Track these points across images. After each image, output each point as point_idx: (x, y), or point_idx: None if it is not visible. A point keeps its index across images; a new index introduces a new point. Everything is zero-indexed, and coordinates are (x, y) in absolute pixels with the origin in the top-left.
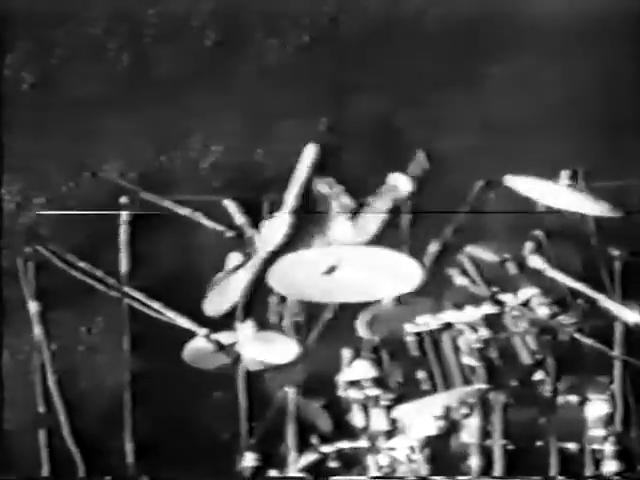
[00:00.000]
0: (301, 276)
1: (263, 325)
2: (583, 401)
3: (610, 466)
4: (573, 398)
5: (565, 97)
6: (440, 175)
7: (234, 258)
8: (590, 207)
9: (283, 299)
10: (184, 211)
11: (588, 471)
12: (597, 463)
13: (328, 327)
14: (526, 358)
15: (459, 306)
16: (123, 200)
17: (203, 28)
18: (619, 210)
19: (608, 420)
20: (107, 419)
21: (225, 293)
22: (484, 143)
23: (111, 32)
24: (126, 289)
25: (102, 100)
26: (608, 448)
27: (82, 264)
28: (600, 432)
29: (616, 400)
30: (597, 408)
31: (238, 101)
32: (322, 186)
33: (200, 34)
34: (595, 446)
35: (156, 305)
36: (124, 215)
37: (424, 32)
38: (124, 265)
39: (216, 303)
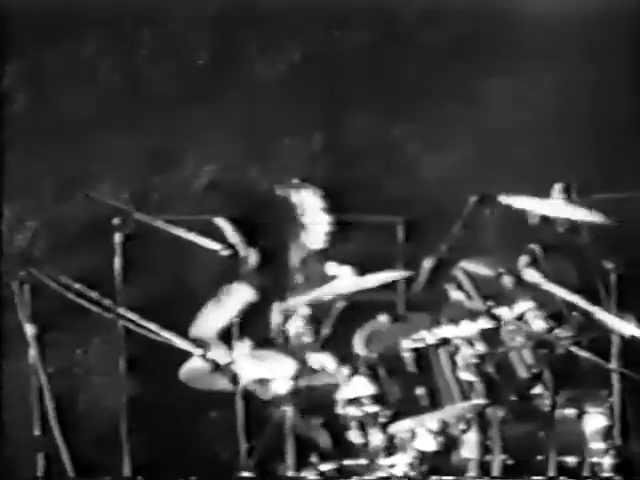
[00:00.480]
0: None
1: (259, 343)
2: (581, 414)
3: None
4: (571, 411)
5: (559, 110)
6: (435, 191)
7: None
8: (584, 218)
9: (284, 318)
10: (177, 231)
11: None
12: (596, 476)
13: (326, 344)
14: (523, 372)
15: (455, 321)
16: (116, 221)
17: (196, 47)
18: (613, 220)
19: (607, 433)
20: (104, 441)
21: (218, 313)
22: (479, 159)
23: (104, 52)
24: (121, 310)
25: (95, 120)
26: (607, 461)
27: (77, 286)
28: (599, 445)
29: (615, 413)
30: (596, 421)
31: (232, 119)
32: (299, 195)
33: (193, 53)
34: (594, 459)
35: (152, 326)
36: (118, 236)
37: (418, 47)
38: (119, 286)
39: (212, 319)
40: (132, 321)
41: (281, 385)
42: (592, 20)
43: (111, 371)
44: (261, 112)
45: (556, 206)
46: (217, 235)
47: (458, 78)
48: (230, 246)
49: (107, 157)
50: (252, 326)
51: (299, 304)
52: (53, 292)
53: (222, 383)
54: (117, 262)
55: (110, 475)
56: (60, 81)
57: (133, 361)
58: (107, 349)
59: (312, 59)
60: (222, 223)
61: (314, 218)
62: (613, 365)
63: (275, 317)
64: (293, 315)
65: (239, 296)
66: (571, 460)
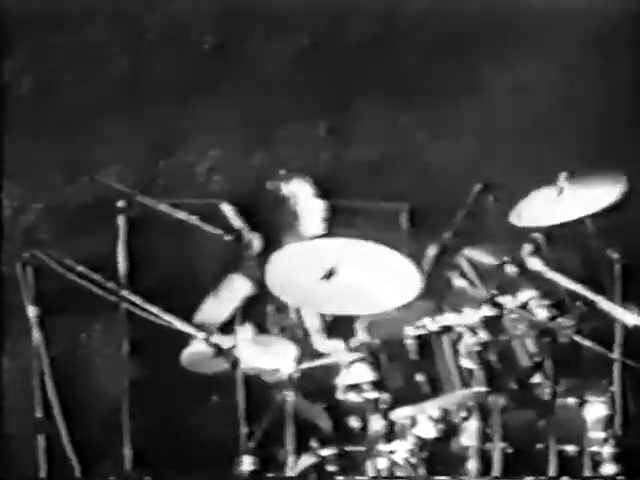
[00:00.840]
0: (300, 279)
1: (262, 329)
2: (582, 403)
3: (609, 469)
4: (572, 400)
5: (563, 102)
6: (439, 178)
7: (235, 278)
8: (588, 207)
9: (281, 309)
10: (181, 215)
11: (587, 473)
12: (596, 466)
13: (328, 329)
14: (525, 361)
15: (458, 309)
16: (120, 204)
17: (202, 33)
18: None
19: (607, 422)
20: (106, 424)
21: (222, 302)
22: (483, 147)
23: (110, 37)
24: (124, 293)
25: (100, 105)
26: (607, 450)
27: (80, 268)
28: (599, 434)
29: (615, 402)
30: (596, 410)
31: (237, 105)
32: (294, 185)
33: (199, 39)
34: (594, 448)
35: (155, 309)
36: (122, 219)
37: (424, 37)
38: (122, 269)
39: (214, 311)
40: (135, 304)
41: (284, 369)
42: (594, 14)
43: (114, 354)
44: (266, 98)
45: (561, 194)
46: (221, 220)
47: (464, 67)
48: (234, 231)
49: (112, 142)
50: (252, 313)
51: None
52: (57, 274)
53: (224, 367)
54: (121, 245)
55: (110, 457)
56: (65, 66)
57: (136, 344)
58: (110, 332)
59: (317, 46)
60: (226, 208)
61: (308, 205)
62: (615, 354)
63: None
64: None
65: (239, 289)
66: (571, 449)
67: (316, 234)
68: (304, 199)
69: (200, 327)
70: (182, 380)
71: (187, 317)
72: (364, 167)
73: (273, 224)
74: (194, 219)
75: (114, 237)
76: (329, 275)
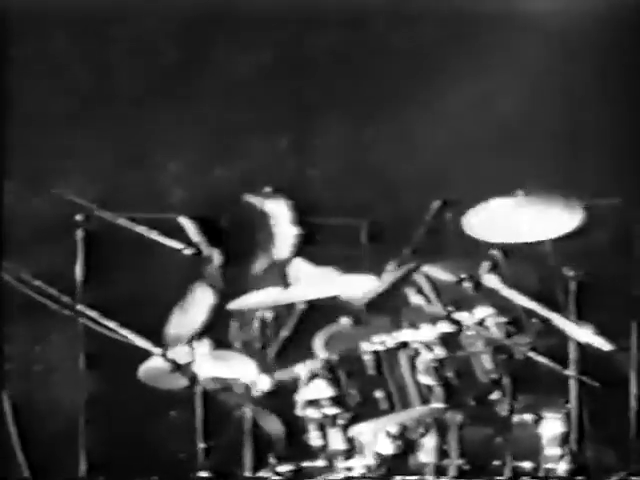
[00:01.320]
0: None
1: (220, 344)
2: (539, 420)
3: None
4: (529, 417)
5: (524, 115)
6: (399, 193)
7: (199, 290)
8: (548, 225)
9: (243, 322)
10: (140, 229)
11: None
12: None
13: (285, 346)
14: (482, 377)
15: (415, 325)
16: (79, 217)
17: (166, 45)
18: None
19: (563, 439)
20: (61, 439)
21: (187, 316)
22: (444, 163)
23: (74, 48)
24: (81, 308)
25: (63, 116)
26: (562, 467)
27: (37, 283)
28: (555, 451)
29: (571, 419)
30: (552, 427)
31: (199, 119)
32: (269, 204)
33: (163, 51)
34: (550, 465)
35: (111, 324)
36: (80, 233)
37: (387, 50)
38: (79, 283)
39: (183, 323)
40: (91, 319)
41: (241, 385)
42: (560, 22)
43: (70, 368)
44: (229, 112)
45: (518, 210)
46: (180, 234)
47: (425, 82)
48: (193, 245)
49: (72, 154)
50: (211, 327)
51: (251, 305)
52: (13, 288)
53: (181, 383)
54: (79, 259)
55: (65, 474)
56: (29, 76)
57: (92, 359)
58: (66, 346)
59: (281, 60)
60: (185, 222)
61: (283, 229)
62: (570, 371)
63: (234, 321)
64: (252, 318)
65: (203, 299)
66: (527, 465)
67: (284, 257)
68: (281, 221)
69: (172, 340)
70: (140, 395)
71: (145, 332)
72: (325, 181)
73: (234, 238)
74: (153, 233)
75: (72, 251)
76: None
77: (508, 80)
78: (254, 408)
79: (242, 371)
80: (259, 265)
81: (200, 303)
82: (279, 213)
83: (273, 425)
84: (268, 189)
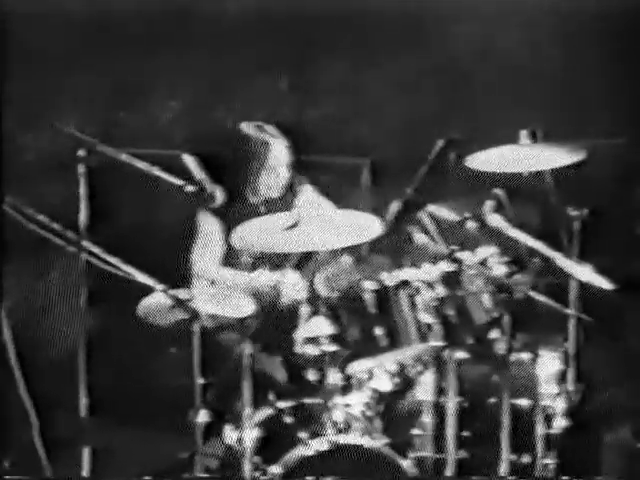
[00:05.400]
0: (263, 235)
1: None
2: (536, 358)
3: (561, 423)
4: (526, 355)
5: (528, 57)
6: (402, 133)
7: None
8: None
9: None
10: (142, 165)
11: (539, 427)
12: (548, 420)
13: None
14: (481, 316)
15: (417, 264)
16: (81, 153)
17: None
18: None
19: (561, 377)
20: (62, 373)
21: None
22: (448, 102)
23: None
24: (84, 243)
25: (63, 55)
26: (559, 405)
27: (40, 217)
28: (552, 389)
29: (569, 358)
30: (550, 365)
31: (199, 57)
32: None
33: None
34: (547, 402)
35: (114, 260)
36: (82, 168)
37: None
38: (82, 219)
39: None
40: (94, 254)
41: (241, 321)
42: None
43: (71, 304)
44: (229, 51)
45: (522, 151)
46: (183, 171)
47: (425, 22)
48: (195, 182)
49: (73, 91)
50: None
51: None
52: (16, 223)
53: (180, 318)
54: (81, 194)
55: (66, 406)
56: (28, 15)
57: (94, 295)
58: (68, 282)
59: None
60: (188, 159)
61: (277, 169)
62: (570, 310)
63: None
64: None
65: (212, 229)
66: (524, 403)
67: (270, 197)
68: (276, 161)
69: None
70: (140, 332)
71: (148, 268)
72: (326, 121)
73: (236, 176)
74: (155, 169)
75: (74, 186)
76: (292, 227)
77: (509, 23)
78: (257, 353)
79: (242, 308)
80: (252, 199)
81: (212, 233)
82: (276, 152)
83: (276, 370)
84: (268, 125)
